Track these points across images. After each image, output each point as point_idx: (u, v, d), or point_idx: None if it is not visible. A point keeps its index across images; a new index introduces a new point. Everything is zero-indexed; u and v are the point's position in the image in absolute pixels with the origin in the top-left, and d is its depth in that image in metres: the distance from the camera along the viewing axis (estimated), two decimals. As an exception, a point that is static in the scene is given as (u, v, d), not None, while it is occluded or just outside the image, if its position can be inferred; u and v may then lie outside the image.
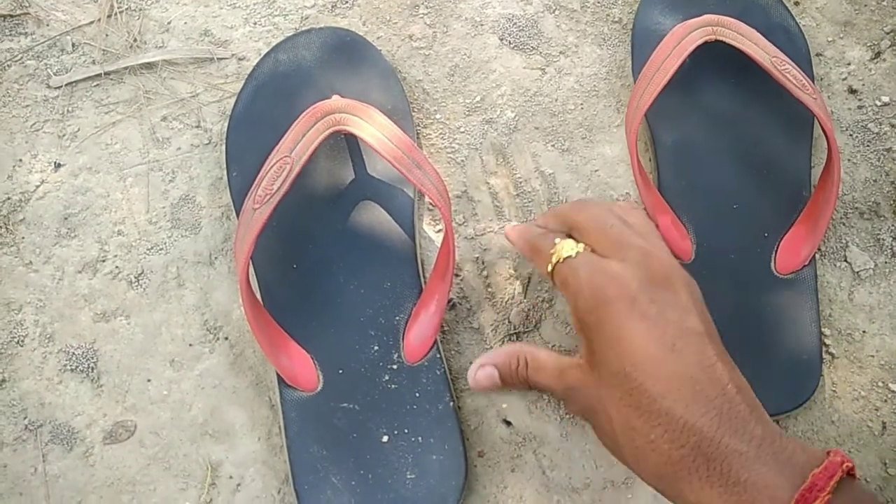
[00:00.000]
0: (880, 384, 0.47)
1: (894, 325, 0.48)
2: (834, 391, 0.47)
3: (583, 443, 0.45)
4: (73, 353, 0.47)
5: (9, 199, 0.50)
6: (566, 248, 0.38)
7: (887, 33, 0.55)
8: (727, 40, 0.47)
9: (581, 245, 0.38)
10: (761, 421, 0.31)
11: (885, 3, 0.56)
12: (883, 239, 0.49)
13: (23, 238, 0.49)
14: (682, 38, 0.47)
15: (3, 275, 0.48)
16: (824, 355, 0.47)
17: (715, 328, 0.35)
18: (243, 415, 0.46)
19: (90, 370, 0.46)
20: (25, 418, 0.45)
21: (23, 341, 0.47)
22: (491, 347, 0.48)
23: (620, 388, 0.33)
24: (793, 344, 0.46)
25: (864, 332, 0.48)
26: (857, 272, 0.49)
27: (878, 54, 0.54)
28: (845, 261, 0.49)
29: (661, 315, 0.33)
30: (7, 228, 0.49)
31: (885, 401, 0.46)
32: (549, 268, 0.38)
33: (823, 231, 0.46)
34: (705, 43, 0.47)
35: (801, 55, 0.52)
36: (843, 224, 0.50)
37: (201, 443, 0.45)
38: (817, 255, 0.49)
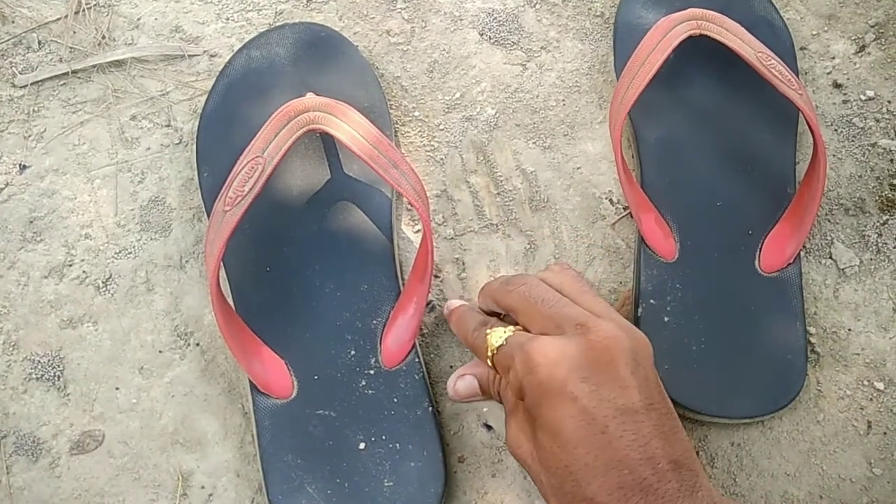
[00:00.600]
0: (866, 383, 0.46)
1: (880, 323, 0.47)
2: (819, 390, 0.46)
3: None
4: (39, 361, 0.45)
5: (-28, 201, 0.48)
6: (495, 337, 0.36)
7: (871, 26, 0.54)
8: (712, 34, 0.46)
9: (510, 329, 0.36)
10: (692, 495, 0.30)
11: (869, -4, 0.55)
12: (868, 235, 0.49)
13: (-14, 242, 0.47)
14: (666, 33, 0.46)
15: (-34, 280, 0.47)
16: (809, 354, 0.46)
17: (660, 394, 0.33)
18: (215, 423, 0.44)
19: (56, 378, 0.45)
20: (-11, 429, 0.44)
21: (-14, 349, 0.45)
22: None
23: (548, 464, 0.32)
24: (778, 343, 0.45)
25: (849, 329, 0.47)
26: (843, 269, 0.48)
27: (862, 48, 0.54)
28: (830, 258, 0.48)
29: (594, 394, 0.32)
30: (-30, 232, 0.47)
31: (871, 399, 0.46)
32: (489, 363, 0.37)
33: (808, 228, 0.46)
34: (689, 38, 0.46)
35: (785, 49, 0.51)
36: (828, 220, 0.49)
37: (172, 452, 0.44)
38: (802, 253, 0.48)
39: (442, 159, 0.50)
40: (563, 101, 0.52)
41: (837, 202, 0.50)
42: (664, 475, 0.31)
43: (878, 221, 0.49)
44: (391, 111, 0.50)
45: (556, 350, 0.33)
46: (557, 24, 0.54)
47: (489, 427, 0.45)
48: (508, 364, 0.35)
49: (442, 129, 0.51)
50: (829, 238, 0.49)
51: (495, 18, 0.53)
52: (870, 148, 0.51)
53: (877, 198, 0.50)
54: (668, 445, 0.31)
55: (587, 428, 0.31)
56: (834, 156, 0.51)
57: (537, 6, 0.54)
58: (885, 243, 0.49)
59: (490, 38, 0.53)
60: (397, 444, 0.42)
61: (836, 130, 0.51)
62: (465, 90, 0.52)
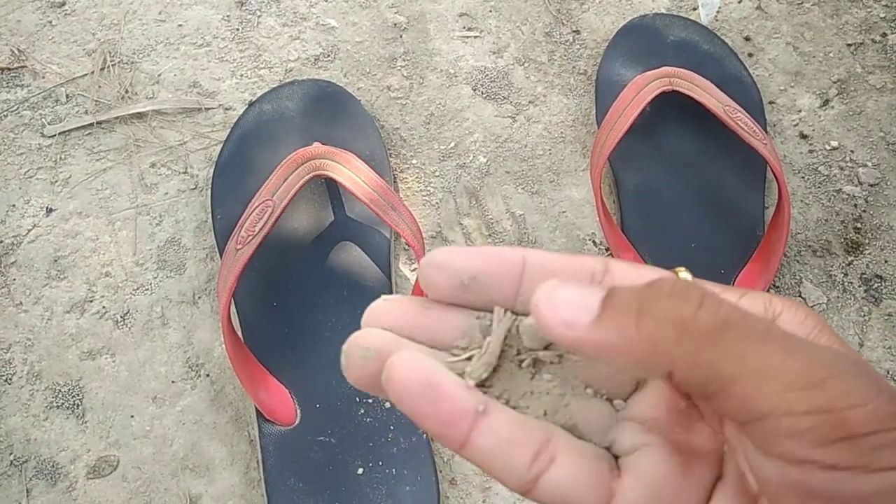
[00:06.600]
0: (836, 414, 0.49)
1: (847, 357, 0.50)
2: (792, 421, 0.49)
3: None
4: (60, 391, 0.48)
5: (1, 242, 0.52)
6: None
7: (834, 82, 0.59)
8: (683, 90, 0.51)
9: None
10: None
11: (831, 55, 0.60)
12: (835, 275, 0.52)
13: (14, 280, 0.51)
14: (641, 89, 0.51)
15: (-6, 315, 0.50)
16: (782, 386, 0.49)
17: None
18: (223, 449, 0.47)
19: (76, 407, 0.48)
20: (11, 454, 0.47)
21: (11, 379, 0.48)
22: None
23: None
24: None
25: (818, 363, 0.50)
26: (811, 307, 0.51)
27: (826, 102, 0.58)
28: (800, 296, 0.52)
29: None
30: (-2, 270, 0.51)
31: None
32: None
33: (776, 267, 0.49)
34: (663, 93, 0.50)
35: (754, 103, 0.56)
36: (798, 261, 0.53)
37: (182, 477, 0.47)
38: (772, 291, 0.51)
39: (437, 203, 0.54)
40: (550, 150, 0.56)
41: (805, 244, 0.53)
42: None
43: (843, 262, 0.53)
44: (391, 159, 0.54)
45: None
46: (544, 81, 0.58)
47: (480, 454, 0.48)
48: None
49: (437, 176, 0.55)
50: (798, 277, 0.52)
51: (487, 75, 0.58)
52: (835, 194, 0.55)
53: (842, 240, 0.53)
54: None
55: None
56: (801, 201, 0.55)
57: (526, 65, 0.59)
58: (851, 282, 0.52)
59: (482, 93, 0.58)
60: (393, 470, 0.45)
61: (803, 178, 0.55)
62: (459, 140, 0.56)
